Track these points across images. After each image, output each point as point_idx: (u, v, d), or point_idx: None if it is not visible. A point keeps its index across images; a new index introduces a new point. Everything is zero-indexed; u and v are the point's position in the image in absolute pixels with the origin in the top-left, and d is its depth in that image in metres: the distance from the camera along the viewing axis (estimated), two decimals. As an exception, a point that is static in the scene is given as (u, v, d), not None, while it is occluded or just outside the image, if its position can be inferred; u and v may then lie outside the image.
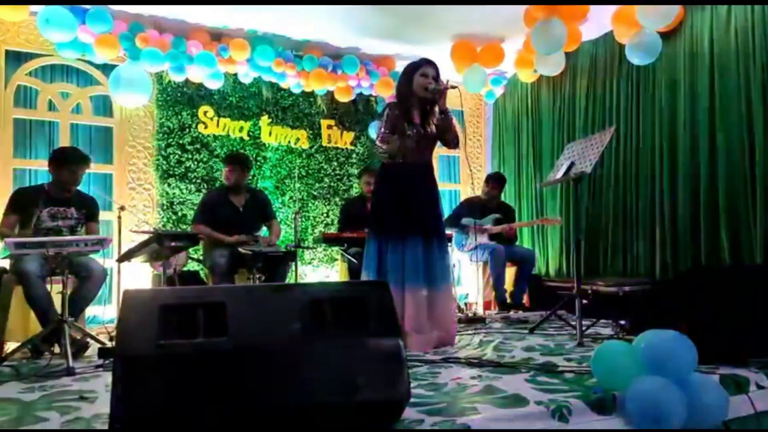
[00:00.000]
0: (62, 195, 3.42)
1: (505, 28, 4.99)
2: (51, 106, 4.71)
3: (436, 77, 3.00)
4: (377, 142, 3.04)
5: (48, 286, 3.06)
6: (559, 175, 3.36)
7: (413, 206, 2.97)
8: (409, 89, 3.01)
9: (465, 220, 4.94)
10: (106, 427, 1.64)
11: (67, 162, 3.35)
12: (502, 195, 5.28)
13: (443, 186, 6.30)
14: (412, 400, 1.67)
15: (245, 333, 1.47)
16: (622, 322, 3.30)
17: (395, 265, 2.94)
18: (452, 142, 3.11)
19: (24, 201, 3.35)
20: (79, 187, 3.49)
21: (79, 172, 3.39)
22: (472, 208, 5.07)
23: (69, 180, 3.36)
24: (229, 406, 1.38)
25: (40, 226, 3.33)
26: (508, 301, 4.67)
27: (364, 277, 3.12)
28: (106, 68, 4.80)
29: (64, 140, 4.67)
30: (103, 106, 4.92)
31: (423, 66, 3.02)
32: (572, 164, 3.30)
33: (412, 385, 1.62)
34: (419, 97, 3.01)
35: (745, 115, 4.01)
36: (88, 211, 3.53)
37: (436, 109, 3.04)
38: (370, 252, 3.06)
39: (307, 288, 1.66)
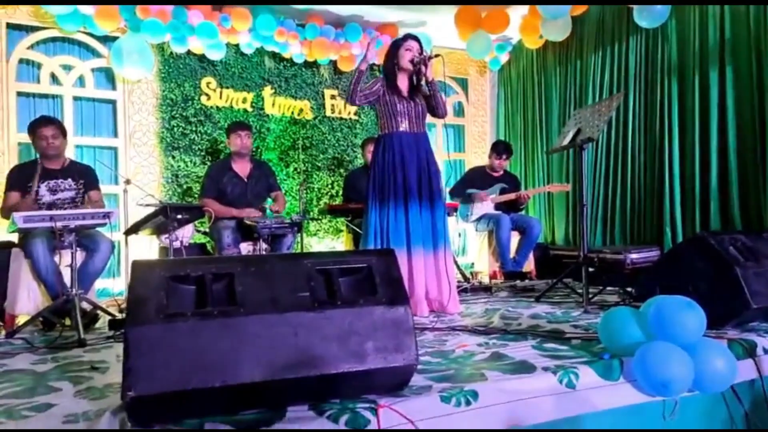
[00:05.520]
0: (56, 166, 3.42)
1: (510, -7, 4.88)
2: (54, 80, 4.67)
3: (420, 51, 3.13)
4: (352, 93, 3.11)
5: (57, 259, 3.08)
6: (566, 141, 3.33)
7: (413, 172, 3.09)
8: (395, 63, 3.15)
9: (470, 191, 4.92)
10: (118, 395, 1.67)
11: (35, 128, 3.35)
12: (509, 163, 5.24)
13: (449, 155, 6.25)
14: (419, 366, 1.69)
15: (254, 302, 1.47)
16: (629, 289, 3.31)
17: (398, 228, 3.05)
18: (439, 111, 3.23)
19: (22, 177, 3.35)
20: (74, 158, 3.48)
21: (49, 134, 3.33)
22: (477, 177, 5.04)
23: (47, 145, 3.33)
24: (239, 375, 1.39)
25: (40, 201, 3.34)
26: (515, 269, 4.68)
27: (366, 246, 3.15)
28: (107, 40, 4.74)
29: (68, 114, 4.65)
30: (106, 78, 4.88)
31: (407, 40, 3.15)
32: (579, 130, 3.27)
33: (419, 352, 1.63)
34: (405, 69, 3.15)
35: (756, 76, 3.92)
36: (86, 179, 3.53)
37: (423, 80, 3.15)
38: (370, 221, 3.12)
39: (316, 257, 1.65)
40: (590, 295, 3.13)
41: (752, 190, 3.98)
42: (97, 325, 3.08)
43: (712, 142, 4.20)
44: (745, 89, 4.01)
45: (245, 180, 4.16)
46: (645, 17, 4.36)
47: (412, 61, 3.09)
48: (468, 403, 1.58)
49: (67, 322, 2.95)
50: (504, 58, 6.22)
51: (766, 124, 3.84)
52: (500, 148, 4.99)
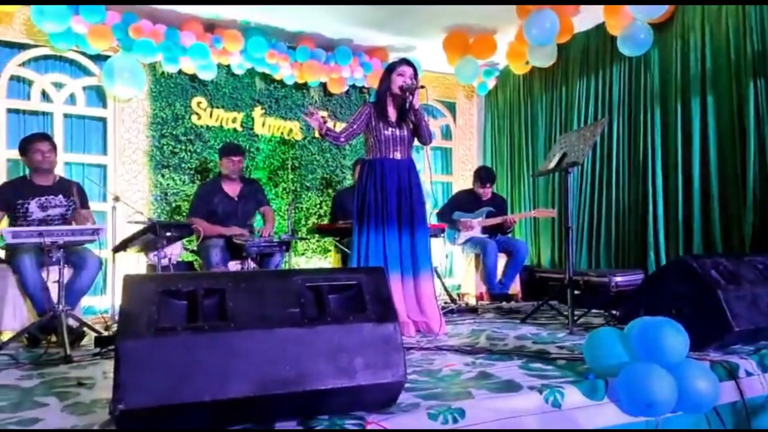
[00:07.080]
0: (46, 182, 3.43)
1: (497, 20, 5.00)
2: (44, 97, 4.68)
3: (414, 77, 3.15)
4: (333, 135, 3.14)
5: (44, 275, 3.06)
6: (552, 165, 3.40)
7: (393, 198, 3.13)
8: (387, 88, 3.18)
9: (457, 214, 4.97)
10: (105, 411, 1.66)
11: (30, 143, 3.37)
12: (495, 186, 5.30)
13: (436, 178, 6.34)
14: (407, 385, 1.70)
15: (245, 318, 1.49)
16: (614, 311, 3.35)
17: (377, 253, 3.09)
18: (425, 139, 3.26)
19: (9, 195, 3.36)
20: (63, 175, 3.49)
21: (45, 149, 3.37)
22: (464, 200, 5.09)
23: (42, 159, 3.36)
24: (228, 389, 1.40)
25: (30, 217, 3.34)
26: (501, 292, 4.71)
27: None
28: (99, 59, 4.78)
29: (58, 131, 4.65)
30: (97, 96, 4.90)
31: (401, 65, 3.16)
32: (565, 155, 3.34)
33: (407, 371, 1.65)
34: (395, 95, 3.17)
35: (737, 104, 4.04)
36: (77, 197, 3.53)
37: (409, 108, 3.16)
38: (354, 244, 3.18)
39: (306, 274, 1.68)
40: (575, 317, 3.17)
41: (733, 215, 4.07)
42: (83, 342, 3.05)
43: (694, 168, 4.31)
44: (726, 117, 4.13)
45: (235, 199, 4.18)
46: (628, 46, 4.48)
47: (401, 88, 3.11)
48: (455, 420, 1.59)
49: (53, 338, 2.94)
50: (491, 83, 6.35)
51: (746, 150, 3.96)
52: (482, 176, 5.00)
